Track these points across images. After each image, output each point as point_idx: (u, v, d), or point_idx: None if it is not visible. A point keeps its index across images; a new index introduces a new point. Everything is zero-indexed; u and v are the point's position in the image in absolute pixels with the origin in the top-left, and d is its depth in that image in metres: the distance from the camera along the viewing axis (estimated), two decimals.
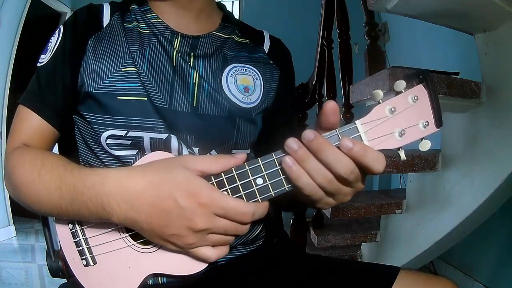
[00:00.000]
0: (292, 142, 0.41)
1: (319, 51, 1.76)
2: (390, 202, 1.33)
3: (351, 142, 0.39)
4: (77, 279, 0.51)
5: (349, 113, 1.47)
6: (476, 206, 1.03)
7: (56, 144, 0.63)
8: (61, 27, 0.60)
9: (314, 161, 0.40)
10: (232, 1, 3.59)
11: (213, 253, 0.46)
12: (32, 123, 0.57)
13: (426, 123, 0.41)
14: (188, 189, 0.42)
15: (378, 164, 0.40)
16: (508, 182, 0.95)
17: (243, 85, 0.63)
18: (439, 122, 0.41)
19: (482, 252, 1.63)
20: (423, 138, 0.42)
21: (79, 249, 0.51)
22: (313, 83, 1.84)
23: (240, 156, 0.45)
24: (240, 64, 0.65)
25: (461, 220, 1.08)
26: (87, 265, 0.51)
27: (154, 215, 0.43)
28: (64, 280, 0.63)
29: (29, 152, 0.53)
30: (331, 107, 0.41)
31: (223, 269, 0.61)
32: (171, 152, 0.56)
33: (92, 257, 0.51)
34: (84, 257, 0.51)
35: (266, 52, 0.70)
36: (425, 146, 0.42)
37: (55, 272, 0.62)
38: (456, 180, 1.12)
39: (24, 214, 2.98)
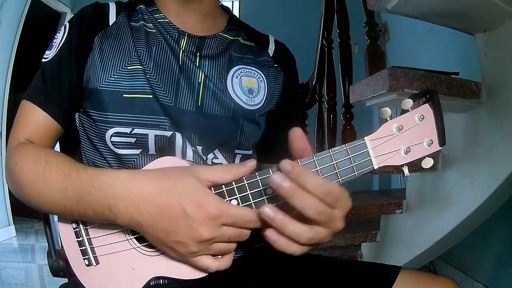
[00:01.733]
0: (279, 178, 0.38)
1: (319, 51, 1.76)
2: (390, 202, 1.33)
3: (290, 165, 0.39)
4: (78, 279, 0.51)
5: (349, 113, 1.47)
6: (476, 206, 1.03)
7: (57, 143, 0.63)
8: (67, 24, 0.61)
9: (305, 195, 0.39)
10: (232, 1, 3.59)
11: (214, 264, 0.46)
12: (37, 119, 0.56)
13: (430, 142, 0.43)
14: (198, 200, 0.42)
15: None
16: (508, 182, 0.95)
17: (247, 87, 0.64)
18: (442, 141, 0.43)
19: (482, 252, 1.63)
20: (426, 156, 0.44)
21: (81, 248, 0.51)
22: (313, 83, 1.84)
23: (249, 164, 0.45)
24: (245, 66, 0.65)
25: (461, 220, 1.08)
26: (89, 264, 0.50)
27: (160, 221, 0.43)
28: (65, 280, 0.63)
29: (33, 148, 0.53)
30: (296, 134, 0.42)
31: (225, 270, 0.61)
32: (175, 150, 0.56)
33: (95, 257, 0.50)
34: (86, 256, 0.50)
35: (271, 55, 0.70)
36: (428, 163, 0.44)
37: (56, 272, 0.62)
38: (456, 180, 1.12)
39: (24, 214, 2.98)
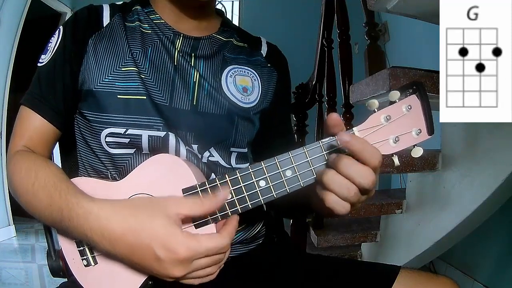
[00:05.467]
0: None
1: (319, 51, 1.76)
2: (390, 202, 1.33)
3: (349, 136, 0.41)
4: (77, 279, 0.51)
5: (349, 113, 1.46)
6: (476, 206, 1.03)
7: (57, 143, 0.63)
8: (61, 27, 0.61)
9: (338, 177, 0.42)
10: (232, 1, 3.59)
11: (196, 280, 0.46)
12: (34, 123, 0.58)
13: (418, 131, 0.44)
14: (167, 243, 0.42)
15: (374, 158, 0.41)
16: (508, 182, 0.94)
17: (242, 86, 0.65)
18: (431, 130, 0.44)
19: (482, 252, 1.63)
20: (416, 145, 0.44)
21: (80, 249, 0.51)
22: (313, 83, 1.84)
23: (222, 194, 0.45)
24: (239, 66, 0.67)
25: (461, 220, 1.08)
26: (87, 265, 0.51)
27: (134, 258, 0.44)
28: (65, 279, 0.63)
29: (26, 159, 0.54)
30: (334, 120, 0.43)
31: (223, 267, 0.61)
32: (168, 150, 0.56)
33: (93, 257, 0.51)
34: (85, 257, 0.51)
35: (264, 55, 0.72)
36: (417, 152, 0.44)
37: (56, 272, 0.62)
38: (456, 180, 1.12)
39: (24, 214, 2.93)
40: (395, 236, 1.40)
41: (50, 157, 0.62)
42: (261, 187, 0.45)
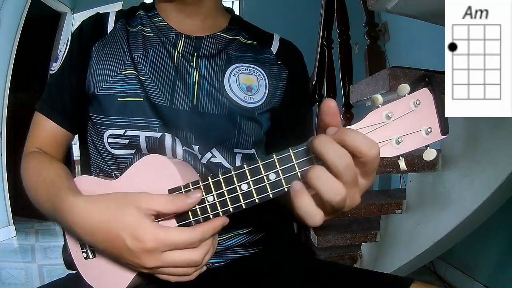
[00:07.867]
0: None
1: (319, 51, 1.76)
2: (390, 202, 1.33)
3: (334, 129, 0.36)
4: (79, 271, 0.53)
5: (349, 113, 1.47)
6: (476, 206, 1.03)
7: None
8: (70, 37, 0.66)
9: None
10: (232, 1, 3.60)
11: (171, 278, 0.46)
12: (45, 127, 0.63)
13: (429, 130, 0.37)
14: (134, 233, 0.42)
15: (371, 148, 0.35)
16: (508, 182, 0.94)
17: (246, 85, 0.64)
18: (445, 129, 0.37)
19: (482, 252, 1.63)
20: (428, 146, 0.38)
21: (80, 241, 0.52)
22: (313, 83, 1.85)
23: (194, 195, 0.44)
24: (243, 64, 0.65)
25: (461, 220, 1.08)
26: (87, 257, 0.52)
27: (110, 249, 0.45)
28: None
29: (35, 159, 0.59)
30: (330, 108, 0.37)
31: (222, 270, 0.61)
32: (165, 151, 0.58)
33: (92, 250, 0.52)
34: (84, 250, 0.52)
35: (274, 53, 0.69)
36: (430, 155, 0.38)
37: (69, 265, 0.63)
38: (456, 180, 1.12)
39: (24, 214, 2.97)
40: (395, 236, 1.40)
41: (64, 157, 0.67)
42: (243, 190, 0.42)
